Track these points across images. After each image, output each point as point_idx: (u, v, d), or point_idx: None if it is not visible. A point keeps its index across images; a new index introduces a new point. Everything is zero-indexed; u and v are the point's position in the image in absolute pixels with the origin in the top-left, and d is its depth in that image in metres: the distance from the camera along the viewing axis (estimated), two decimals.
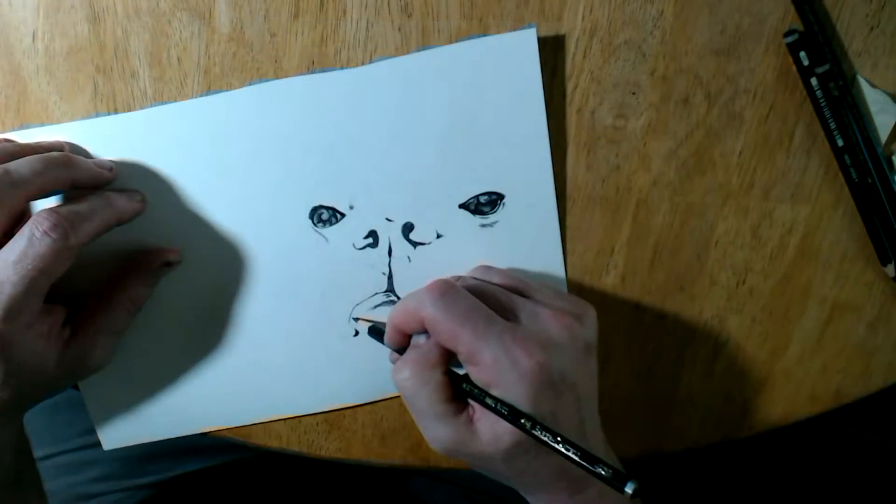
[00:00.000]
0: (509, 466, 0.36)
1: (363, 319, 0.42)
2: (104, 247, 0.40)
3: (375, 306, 0.43)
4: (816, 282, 0.43)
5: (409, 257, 0.42)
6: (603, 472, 0.31)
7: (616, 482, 0.31)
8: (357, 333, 0.43)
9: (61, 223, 0.34)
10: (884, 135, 0.40)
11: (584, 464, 0.32)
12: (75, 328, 0.39)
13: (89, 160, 0.38)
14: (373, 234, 0.41)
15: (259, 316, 0.43)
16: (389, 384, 0.45)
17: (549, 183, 0.41)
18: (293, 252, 0.41)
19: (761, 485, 0.61)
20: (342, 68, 0.39)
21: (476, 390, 0.35)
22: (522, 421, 0.33)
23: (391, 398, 0.45)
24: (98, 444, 0.56)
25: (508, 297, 0.37)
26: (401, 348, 0.38)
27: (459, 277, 0.40)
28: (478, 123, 0.39)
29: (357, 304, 0.43)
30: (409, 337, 0.38)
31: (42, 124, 0.40)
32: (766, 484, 0.61)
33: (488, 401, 0.34)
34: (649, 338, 0.45)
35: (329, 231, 0.41)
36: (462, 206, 0.41)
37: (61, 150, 0.38)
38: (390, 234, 0.41)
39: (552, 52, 0.39)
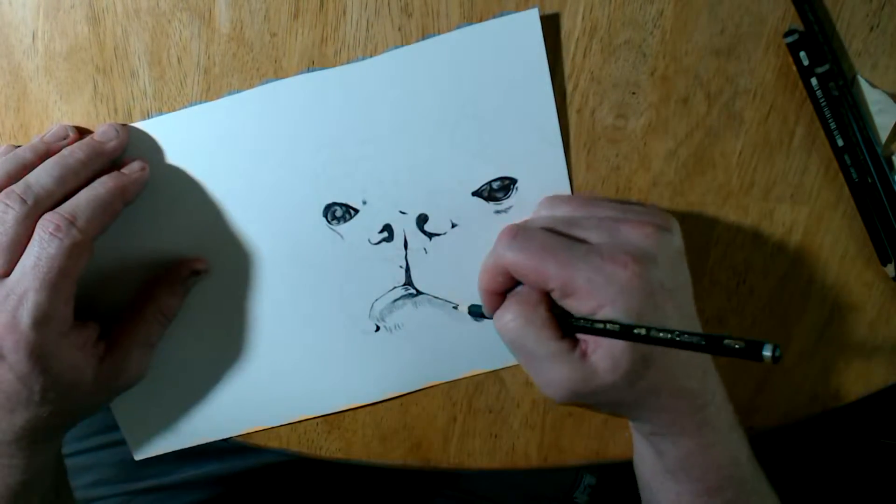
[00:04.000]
0: (632, 391, 0.35)
1: (463, 306, 0.42)
2: (129, 260, 0.41)
3: (395, 300, 0.42)
4: (816, 282, 0.43)
5: (425, 249, 0.42)
6: (736, 346, 0.29)
7: (752, 352, 0.28)
8: (378, 328, 0.43)
9: (63, 222, 0.34)
10: (884, 135, 0.40)
11: (714, 346, 0.30)
12: (110, 343, 0.39)
13: (96, 139, 0.38)
14: (387, 227, 0.41)
15: (280, 318, 0.43)
16: (417, 376, 0.44)
17: (562, 163, 0.41)
18: (310, 252, 0.41)
19: None
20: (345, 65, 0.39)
21: (582, 321, 0.34)
22: (636, 331, 0.32)
23: (392, 398, 0.45)
24: (95, 448, 0.56)
25: (580, 222, 0.36)
26: None
27: (525, 220, 0.40)
28: (485, 108, 0.39)
29: (377, 300, 0.42)
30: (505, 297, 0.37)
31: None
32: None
33: (597, 325, 0.33)
34: None
35: (343, 228, 0.41)
36: (475, 193, 0.41)
37: (66, 137, 0.38)
38: (405, 226, 0.41)
39: (552, 51, 0.39)
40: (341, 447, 0.46)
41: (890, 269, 0.42)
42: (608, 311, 0.33)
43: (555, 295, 0.35)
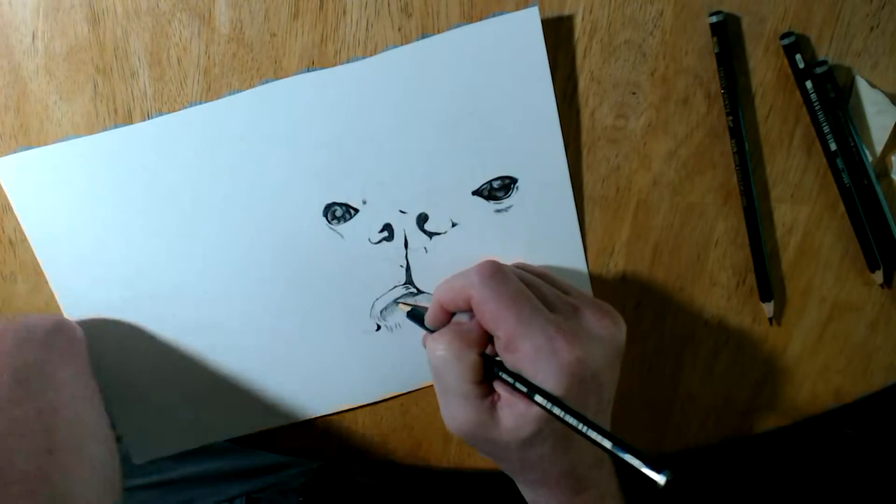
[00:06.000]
0: (522, 457, 0.36)
1: (403, 304, 0.42)
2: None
3: (396, 300, 0.43)
4: (816, 282, 0.43)
5: (425, 248, 0.42)
6: (636, 461, 0.30)
7: (650, 471, 0.30)
8: (379, 328, 0.43)
9: None
10: (881, 135, 0.40)
11: (617, 452, 0.31)
12: None
13: None
14: (388, 227, 0.41)
15: (280, 318, 0.43)
16: (417, 376, 0.45)
17: (562, 162, 0.41)
18: (310, 252, 0.41)
19: (761, 485, 0.61)
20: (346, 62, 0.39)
21: (512, 376, 0.34)
22: (556, 410, 0.32)
23: (392, 398, 0.45)
24: None
25: (552, 290, 0.37)
26: (438, 330, 0.38)
27: (505, 264, 0.40)
28: (486, 107, 0.39)
29: (377, 299, 0.43)
30: (451, 317, 0.38)
31: (66, 138, 0.40)
32: (766, 484, 0.61)
33: (519, 385, 0.34)
34: (649, 338, 0.45)
35: (344, 227, 0.41)
36: (475, 192, 0.41)
37: None
38: (405, 226, 0.41)
39: (552, 52, 0.39)
40: (341, 447, 0.47)
41: (878, 275, 0.42)
42: (538, 380, 0.34)
43: (498, 343, 0.35)
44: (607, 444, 0.31)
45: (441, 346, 0.36)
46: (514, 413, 0.35)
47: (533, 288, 0.36)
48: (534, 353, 0.34)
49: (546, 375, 0.34)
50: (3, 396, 0.33)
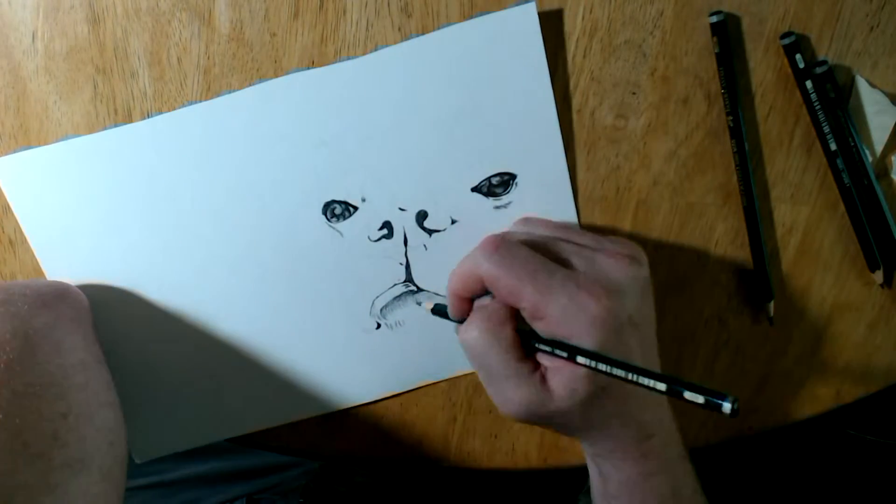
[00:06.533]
0: (584, 418, 0.35)
1: (427, 304, 0.42)
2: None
3: (395, 297, 0.43)
4: (816, 282, 0.43)
5: (425, 245, 0.42)
6: (698, 396, 0.28)
7: (712, 402, 0.28)
8: (379, 326, 0.43)
9: None
10: (882, 135, 0.40)
11: (674, 391, 0.29)
12: None
13: None
14: (387, 225, 0.41)
15: (280, 317, 0.43)
16: (417, 375, 0.45)
17: (561, 157, 0.41)
18: (309, 250, 0.41)
19: (761, 485, 0.61)
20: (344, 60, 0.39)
21: (549, 345, 0.33)
22: (601, 365, 0.31)
23: (391, 397, 0.45)
24: None
25: (559, 244, 0.36)
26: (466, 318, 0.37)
27: (507, 232, 0.39)
28: (484, 104, 0.39)
29: (377, 297, 0.43)
30: (472, 304, 0.37)
31: (66, 137, 0.40)
32: (766, 484, 0.61)
33: (558, 351, 0.33)
34: None
35: (343, 225, 0.41)
36: (474, 189, 0.41)
37: None
38: (404, 223, 0.41)
39: (552, 51, 0.39)
40: (341, 447, 0.47)
41: (878, 275, 0.42)
42: (573, 341, 0.33)
43: (525, 314, 0.34)
44: (661, 386, 0.30)
45: (474, 331, 0.35)
46: (565, 379, 0.34)
47: (542, 248, 0.35)
48: (562, 315, 0.33)
49: (580, 333, 0.33)
50: (17, 359, 0.33)
